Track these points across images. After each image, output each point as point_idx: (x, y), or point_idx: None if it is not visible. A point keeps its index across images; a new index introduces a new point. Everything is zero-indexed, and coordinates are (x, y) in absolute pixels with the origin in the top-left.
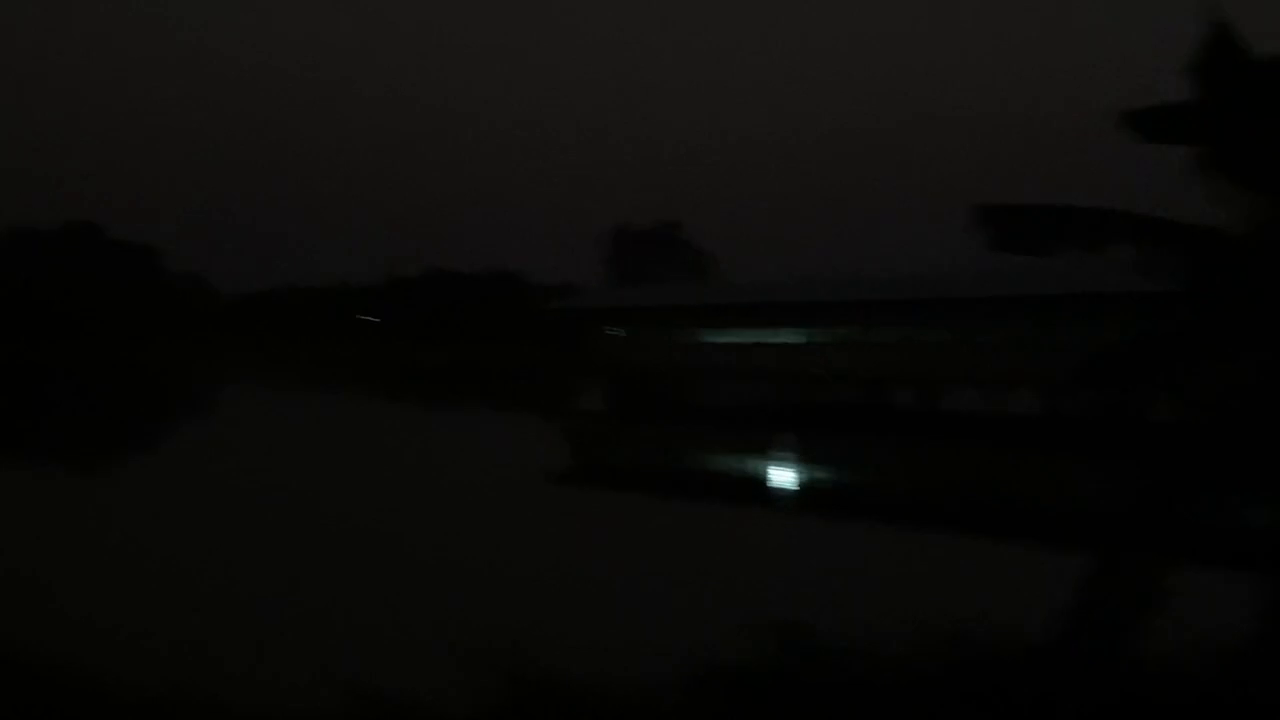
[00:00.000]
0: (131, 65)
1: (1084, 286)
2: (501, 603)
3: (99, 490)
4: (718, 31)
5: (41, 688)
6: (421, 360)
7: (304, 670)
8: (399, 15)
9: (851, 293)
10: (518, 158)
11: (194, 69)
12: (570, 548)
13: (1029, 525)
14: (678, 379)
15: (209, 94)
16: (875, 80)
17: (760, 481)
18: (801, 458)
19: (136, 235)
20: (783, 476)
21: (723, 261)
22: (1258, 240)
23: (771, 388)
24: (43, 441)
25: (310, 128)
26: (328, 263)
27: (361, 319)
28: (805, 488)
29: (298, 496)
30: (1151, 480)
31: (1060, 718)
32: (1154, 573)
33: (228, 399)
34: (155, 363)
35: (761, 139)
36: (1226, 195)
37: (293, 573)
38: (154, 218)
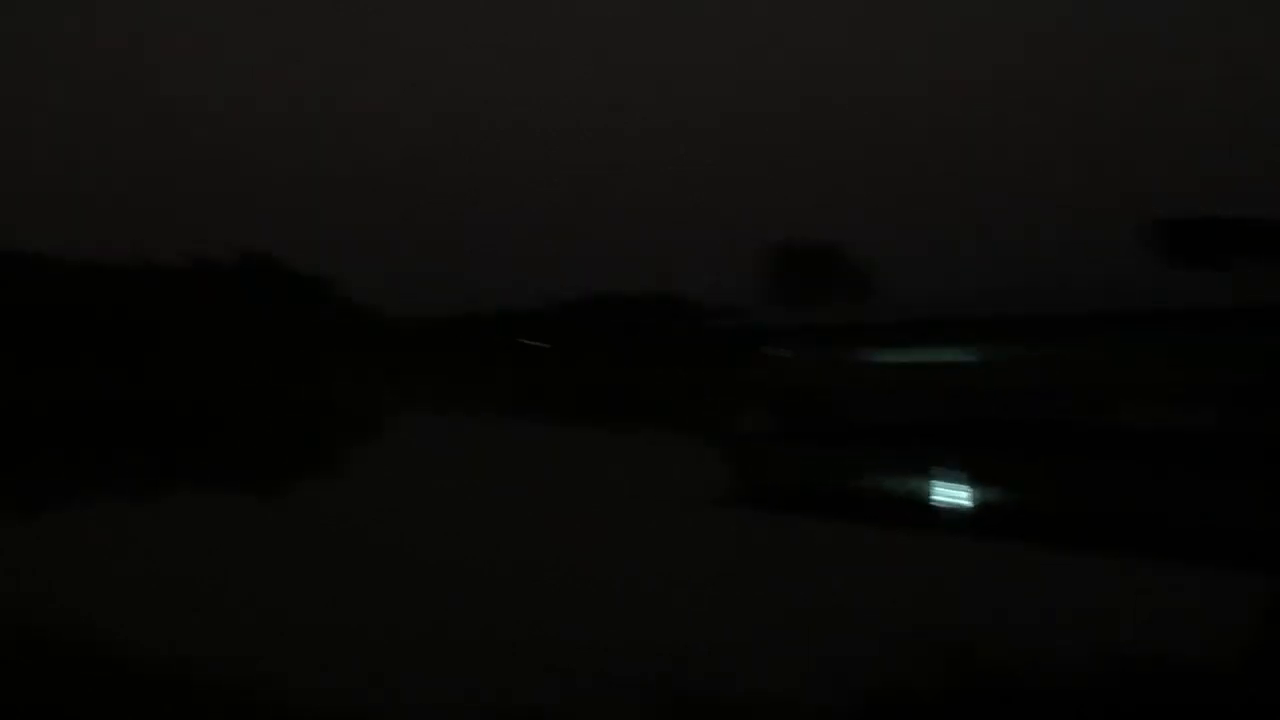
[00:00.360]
0: (307, 96)
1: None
2: (673, 627)
3: (280, 515)
4: (881, 44)
5: (236, 711)
6: (586, 383)
7: (479, 692)
8: (567, 44)
9: (1023, 307)
10: (681, 178)
11: (366, 101)
12: (740, 572)
13: (1218, 547)
14: (843, 398)
15: (381, 125)
16: (1033, 92)
17: (932, 503)
18: (974, 478)
19: (311, 266)
20: (955, 497)
21: (886, 279)
22: None
23: (940, 406)
24: (227, 470)
25: (476, 154)
26: (494, 287)
27: (527, 343)
28: (980, 509)
29: (469, 519)
30: None
31: None
32: None
33: (401, 424)
34: (330, 390)
35: (925, 154)
36: None
37: (468, 596)
38: (327, 247)
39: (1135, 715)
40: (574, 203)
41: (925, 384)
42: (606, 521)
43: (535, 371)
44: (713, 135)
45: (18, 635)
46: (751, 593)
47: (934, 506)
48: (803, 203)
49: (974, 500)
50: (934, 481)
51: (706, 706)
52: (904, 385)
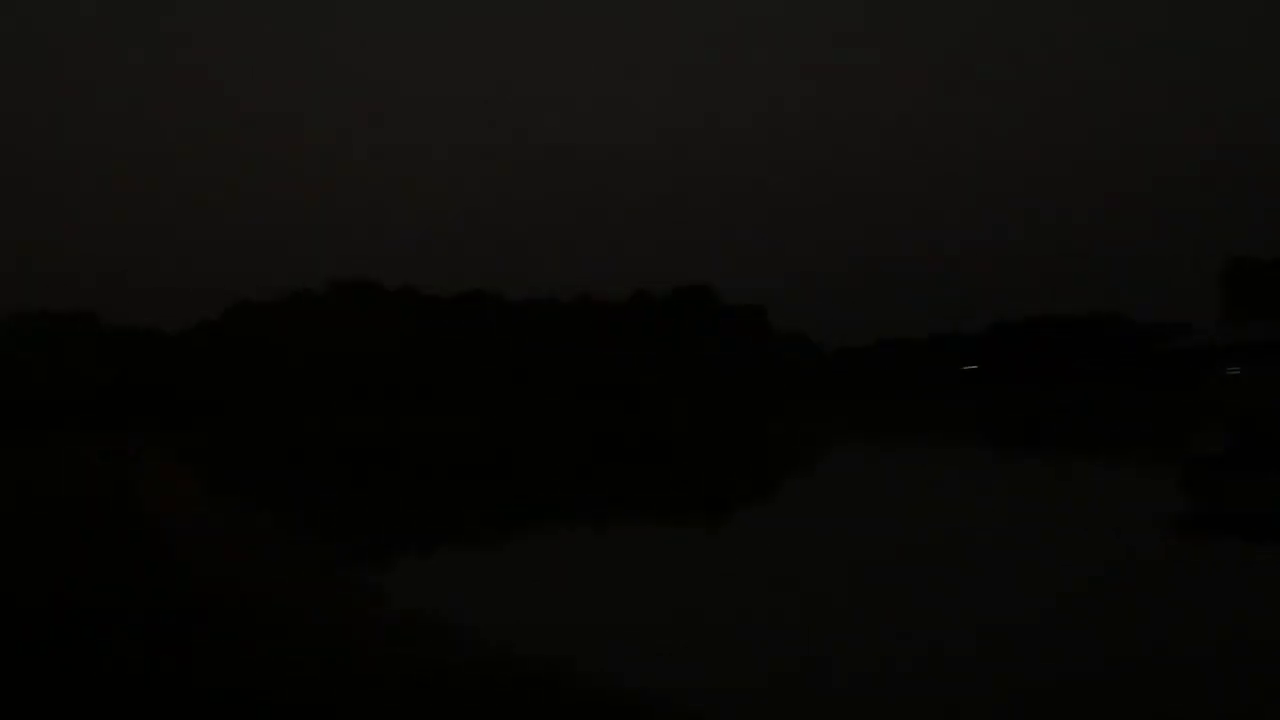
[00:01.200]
0: (756, 128)
1: None
2: (1128, 649)
3: (731, 544)
4: None
5: None
6: (1026, 407)
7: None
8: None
9: None
10: (1128, 195)
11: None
12: (1195, 599)
13: None
14: None
15: (812, 155)
16: None
17: None
18: None
19: (747, 296)
20: None
21: None
22: None
23: None
24: (670, 499)
25: (901, 182)
26: (928, 313)
27: (968, 368)
28: None
29: (911, 546)
30: None
31: None
32: None
33: (840, 452)
34: (765, 420)
35: None
36: None
37: (938, 618)
38: (762, 276)
39: None
40: (1019, 222)
41: None
42: (1063, 547)
43: (977, 396)
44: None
45: (493, 662)
46: (1208, 619)
47: None
48: (1252, 216)
49: None
50: None
51: None
52: None
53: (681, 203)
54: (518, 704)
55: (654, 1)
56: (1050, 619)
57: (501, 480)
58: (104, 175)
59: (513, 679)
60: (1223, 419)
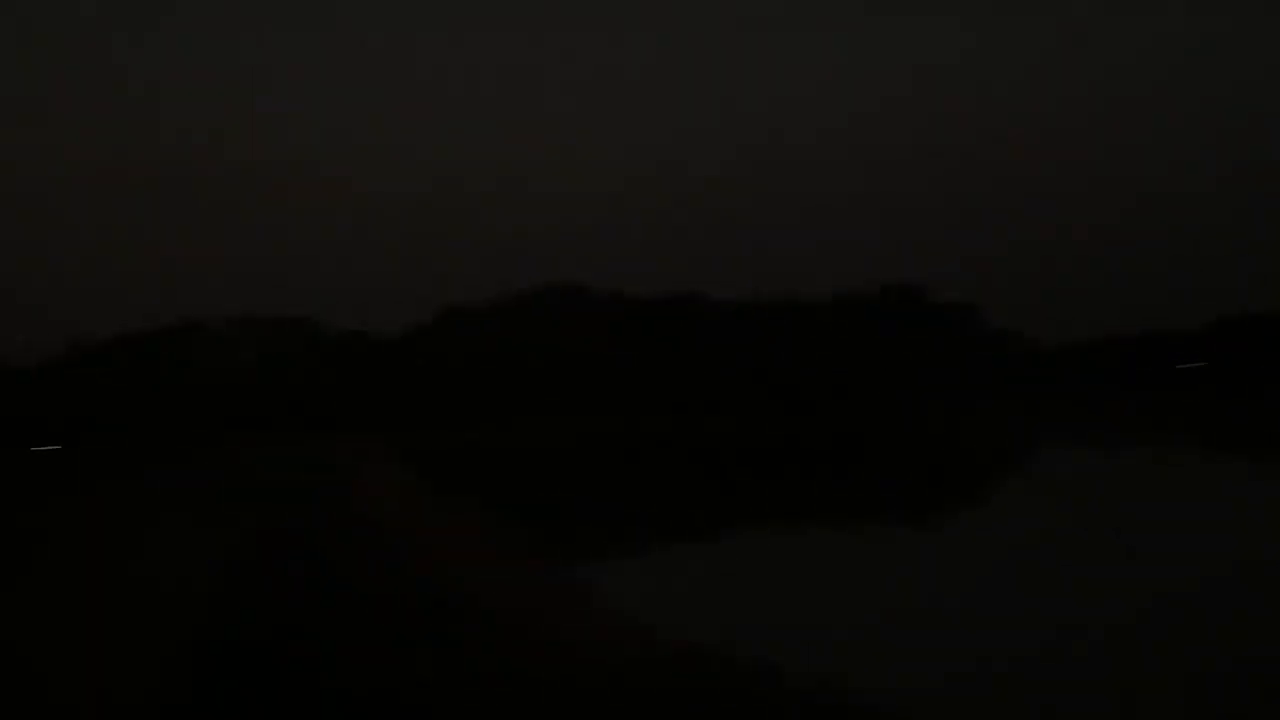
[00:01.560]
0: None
1: None
2: None
3: (946, 543)
4: None
5: None
6: (1249, 406)
7: None
8: None
9: None
10: None
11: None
12: None
13: None
14: None
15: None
16: None
17: None
18: None
19: (957, 294)
20: None
21: None
22: None
23: None
24: (884, 498)
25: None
26: (1144, 307)
27: (1184, 367)
28: None
29: (1124, 551)
30: None
31: None
32: None
33: (1052, 451)
34: (979, 418)
35: None
36: None
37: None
38: (974, 275)
39: None
40: (1228, 216)
41: None
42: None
43: (1190, 395)
44: None
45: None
46: None
47: None
48: None
49: None
50: None
51: None
52: None
53: (888, 200)
54: (725, 705)
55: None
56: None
57: (712, 480)
58: (311, 182)
59: (722, 678)
60: None
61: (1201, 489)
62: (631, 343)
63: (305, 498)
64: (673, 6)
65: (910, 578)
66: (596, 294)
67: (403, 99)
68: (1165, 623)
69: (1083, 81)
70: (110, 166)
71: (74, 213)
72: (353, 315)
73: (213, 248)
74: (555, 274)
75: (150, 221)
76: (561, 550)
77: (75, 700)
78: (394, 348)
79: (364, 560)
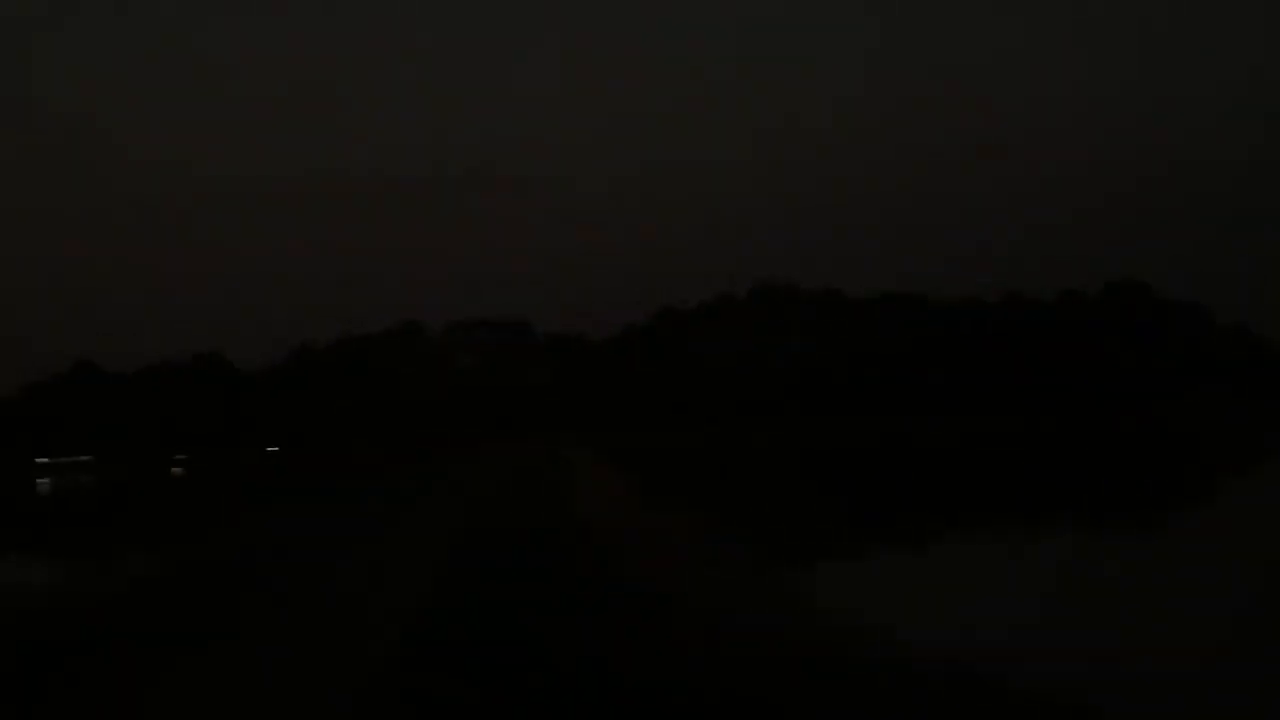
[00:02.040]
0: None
1: None
2: None
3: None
4: None
5: None
6: None
7: None
8: None
9: None
10: None
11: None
12: None
13: None
14: None
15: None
16: None
17: None
18: None
19: (1184, 293)
20: None
21: None
22: None
23: None
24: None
25: None
26: None
27: None
28: None
29: None
30: None
31: None
32: None
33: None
34: (1201, 413)
35: None
36: None
37: None
38: (1199, 274)
39: None
40: None
41: None
42: None
43: None
44: None
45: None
46: None
47: None
48: None
49: None
50: None
51: None
52: None
53: (1115, 200)
54: (931, 707)
55: None
56: None
57: (932, 482)
58: (527, 189)
59: (926, 682)
60: None
61: None
62: (845, 342)
63: (523, 493)
64: None
65: (1138, 589)
66: (808, 293)
67: (617, 109)
68: None
69: None
70: (332, 181)
71: (293, 224)
72: (569, 319)
73: (434, 253)
74: (764, 273)
75: (371, 229)
76: (775, 550)
77: None
78: (604, 349)
79: (585, 558)
